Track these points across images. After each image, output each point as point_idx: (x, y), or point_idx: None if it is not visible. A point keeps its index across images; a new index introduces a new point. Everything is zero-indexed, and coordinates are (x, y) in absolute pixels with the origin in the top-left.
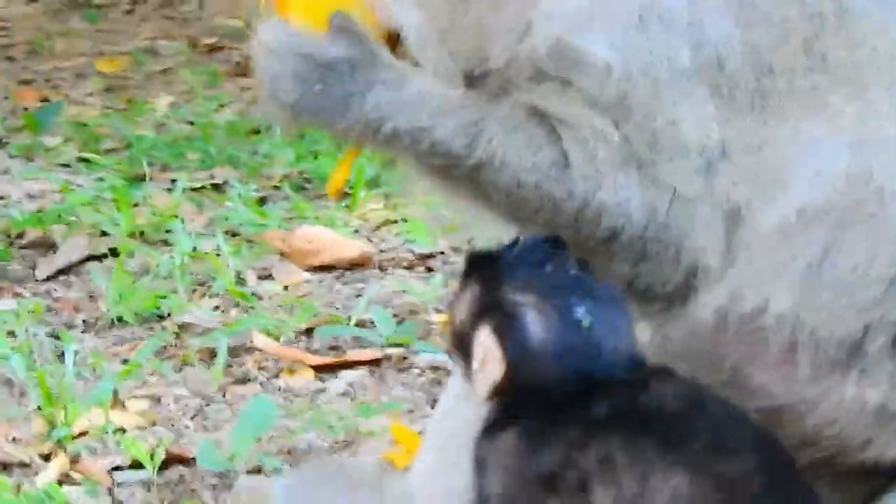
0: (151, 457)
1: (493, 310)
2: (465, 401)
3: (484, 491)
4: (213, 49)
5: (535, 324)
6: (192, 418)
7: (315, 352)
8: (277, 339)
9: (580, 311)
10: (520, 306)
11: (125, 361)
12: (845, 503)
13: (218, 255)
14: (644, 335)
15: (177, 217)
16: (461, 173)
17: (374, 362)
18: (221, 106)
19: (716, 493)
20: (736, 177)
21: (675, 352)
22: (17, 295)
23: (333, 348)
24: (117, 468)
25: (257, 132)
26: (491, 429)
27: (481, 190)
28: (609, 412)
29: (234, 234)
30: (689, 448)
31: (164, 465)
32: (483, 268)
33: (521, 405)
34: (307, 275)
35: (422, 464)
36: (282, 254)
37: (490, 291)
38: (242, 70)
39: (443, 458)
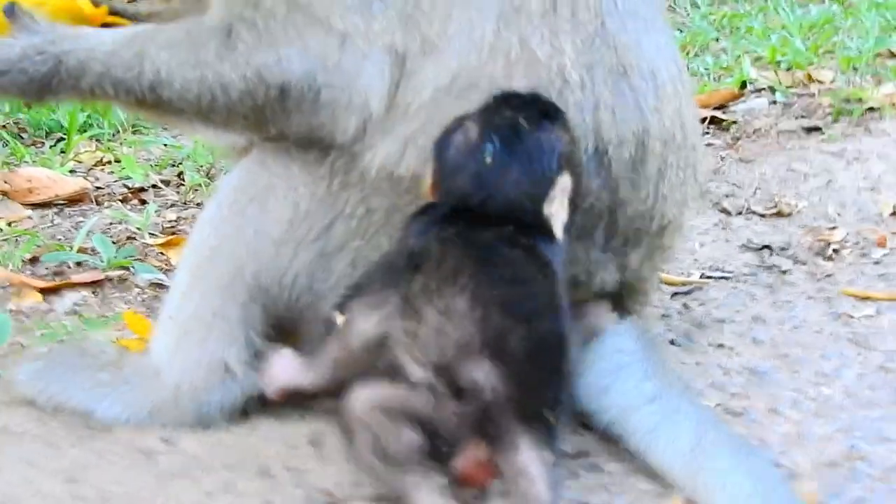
0: None
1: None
2: (202, 282)
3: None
4: None
5: (457, 145)
6: None
7: (42, 277)
8: (5, 268)
9: (488, 149)
10: (458, 130)
11: None
12: None
13: None
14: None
15: None
16: (150, 100)
17: (97, 283)
18: None
19: (475, 337)
20: (393, 20)
21: (352, 206)
22: None
23: (58, 274)
24: None
25: None
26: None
27: (170, 107)
28: (453, 236)
29: None
30: (489, 292)
31: None
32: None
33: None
34: (28, 211)
35: (162, 341)
36: (3, 193)
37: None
38: None
39: (185, 336)
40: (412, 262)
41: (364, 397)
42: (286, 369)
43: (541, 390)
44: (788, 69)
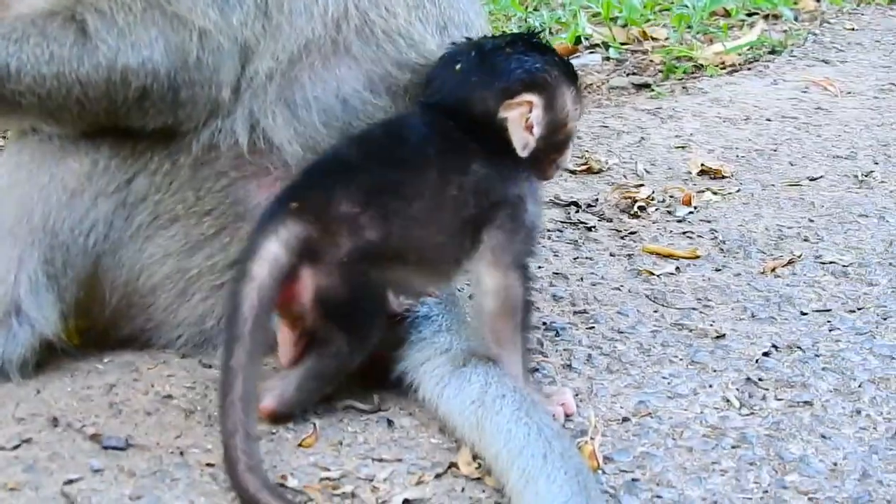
0: None
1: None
2: None
3: None
4: None
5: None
6: None
7: None
8: None
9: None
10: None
11: None
12: None
13: None
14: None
15: None
16: None
17: None
18: None
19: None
20: (248, 13)
21: (157, 162)
22: None
23: None
24: None
25: None
26: None
27: (13, 102)
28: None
29: None
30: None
31: None
32: None
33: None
34: None
35: None
36: None
37: None
38: None
39: None
40: None
41: None
42: None
43: None
44: (624, 26)
